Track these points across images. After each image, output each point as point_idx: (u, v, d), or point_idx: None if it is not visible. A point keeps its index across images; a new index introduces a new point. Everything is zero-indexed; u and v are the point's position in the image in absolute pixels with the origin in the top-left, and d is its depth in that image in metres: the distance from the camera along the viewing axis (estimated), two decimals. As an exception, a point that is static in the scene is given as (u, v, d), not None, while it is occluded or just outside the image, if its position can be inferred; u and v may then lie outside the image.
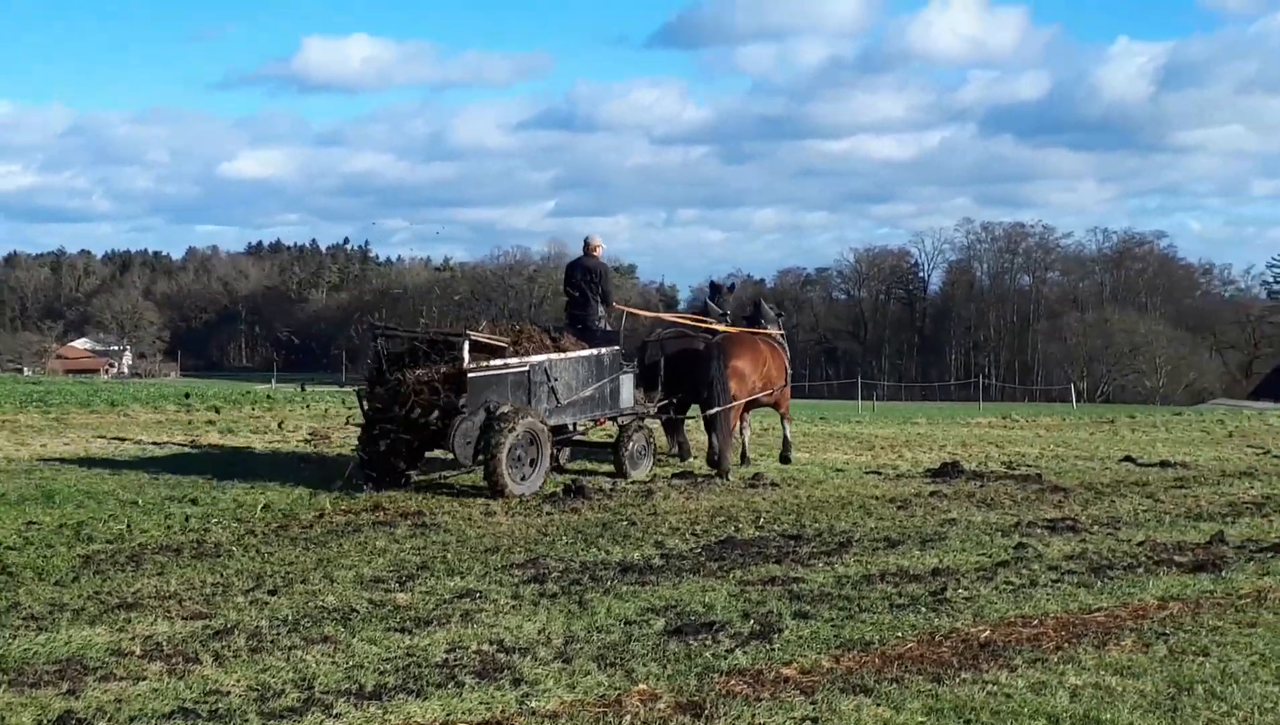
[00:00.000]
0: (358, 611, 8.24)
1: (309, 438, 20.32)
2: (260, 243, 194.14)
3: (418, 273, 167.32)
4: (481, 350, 14.46)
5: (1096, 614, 8.51)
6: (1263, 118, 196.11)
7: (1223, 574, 10.00)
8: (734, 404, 16.70)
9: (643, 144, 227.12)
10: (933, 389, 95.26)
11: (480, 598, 8.70)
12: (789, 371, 18.64)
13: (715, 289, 19.50)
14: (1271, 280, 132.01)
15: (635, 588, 9.10)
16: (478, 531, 11.56)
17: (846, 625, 8.05)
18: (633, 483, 15.11)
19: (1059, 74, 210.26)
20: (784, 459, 18.24)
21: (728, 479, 15.71)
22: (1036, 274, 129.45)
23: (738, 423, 17.45)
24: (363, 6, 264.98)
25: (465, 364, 14.04)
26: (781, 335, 19.24)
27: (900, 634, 7.84)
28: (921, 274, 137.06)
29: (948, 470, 16.95)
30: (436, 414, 13.88)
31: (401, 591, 8.88)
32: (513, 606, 8.48)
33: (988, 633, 7.87)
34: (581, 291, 16.61)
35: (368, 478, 14.29)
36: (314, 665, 6.96)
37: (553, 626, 7.91)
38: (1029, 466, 18.44)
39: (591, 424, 16.72)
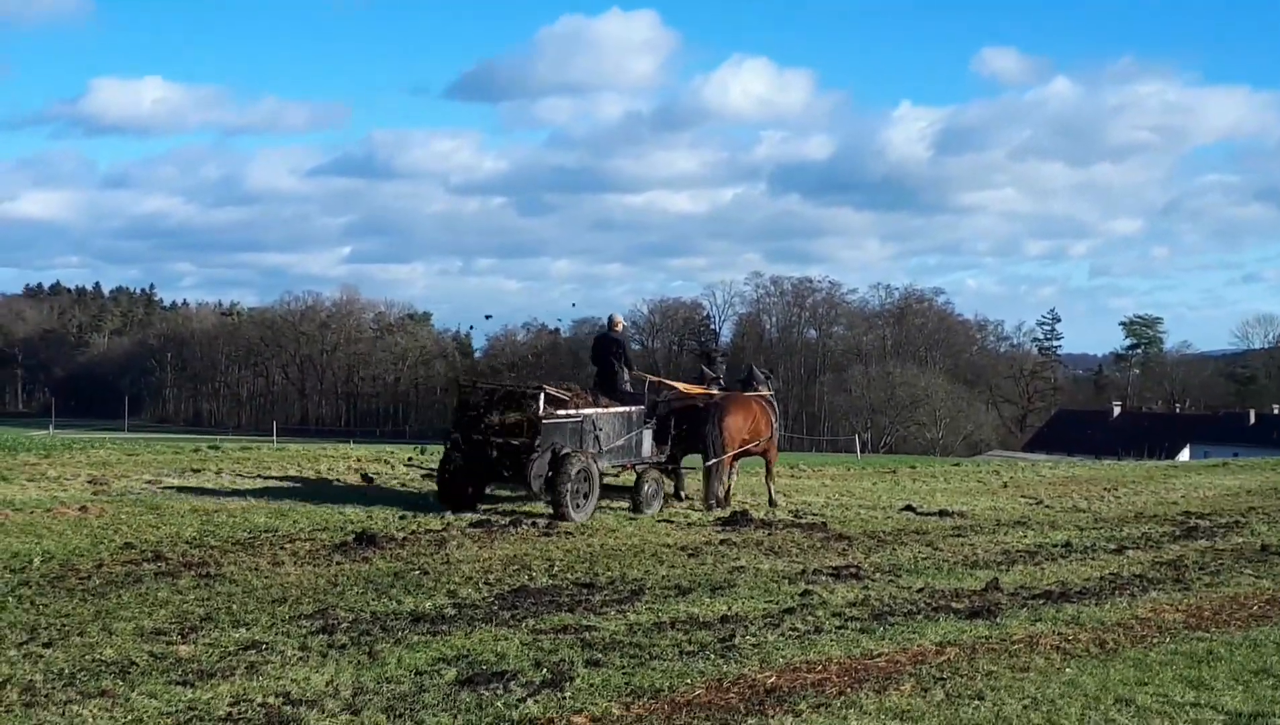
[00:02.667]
0: (137, 664, 7.99)
1: (90, 483, 19.59)
2: (39, 285, 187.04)
3: (205, 317, 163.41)
4: (550, 402, 16.93)
5: (878, 659, 8.76)
6: (1035, 182, 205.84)
7: (997, 620, 10.38)
8: (726, 455, 19.30)
9: (440, 193, 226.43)
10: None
11: (266, 649, 8.52)
12: (775, 427, 21.21)
13: (709, 356, 22.36)
14: (1042, 337, 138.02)
15: (427, 638, 9.04)
16: (265, 582, 11.29)
17: (637, 673, 8.13)
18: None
19: (845, 136, 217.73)
20: (771, 503, 20.20)
21: (711, 509, 18.61)
22: (823, 327, 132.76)
23: (727, 469, 19.86)
24: (155, 51, 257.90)
25: (540, 412, 16.51)
26: (771, 395, 21.81)
27: (689, 681, 7.95)
28: (713, 326, 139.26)
29: (737, 519, 17.23)
30: (520, 441, 16.54)
31: (184, 643, 8.64)
32: (300, 658, 8.33)
33: (774, 678, 8.03)
34: (609, 361, 19.33)
35: (444, 504, 17.10)
36: (90, 720, 6.74)
37: (341, 678, 7.80)
38: (815, 515, 18.86)
39: (621, 469, 18.97)
